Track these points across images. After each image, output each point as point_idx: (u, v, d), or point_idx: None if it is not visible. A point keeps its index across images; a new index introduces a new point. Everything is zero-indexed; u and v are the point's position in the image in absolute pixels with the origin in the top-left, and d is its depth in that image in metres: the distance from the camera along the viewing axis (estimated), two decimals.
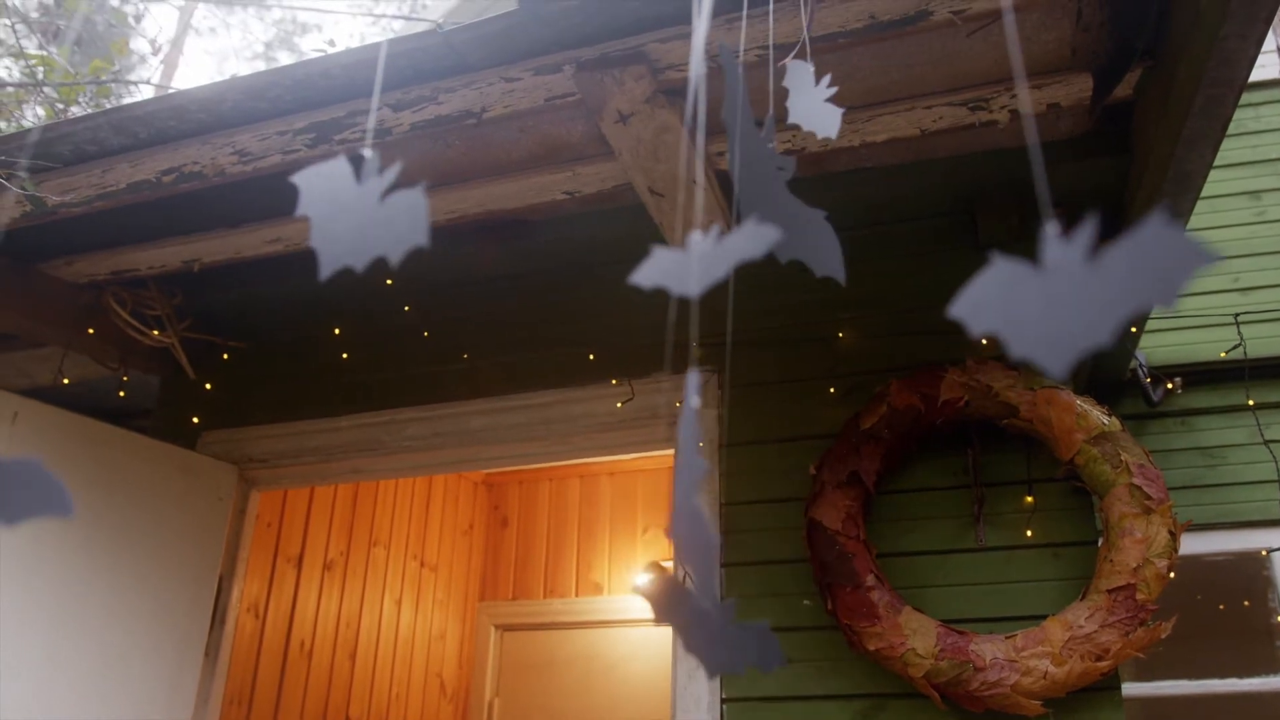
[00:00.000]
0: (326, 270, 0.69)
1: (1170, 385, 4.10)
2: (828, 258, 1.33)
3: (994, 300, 0.55)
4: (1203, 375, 4.29)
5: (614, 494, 5.39)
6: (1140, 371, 4.28)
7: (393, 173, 0.74)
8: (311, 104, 2.43)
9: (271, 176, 2.69)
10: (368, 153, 0.73)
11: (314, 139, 2.53)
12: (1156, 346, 4.42)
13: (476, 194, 2.89)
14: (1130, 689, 4.27)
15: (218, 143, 2.53)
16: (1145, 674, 4.42)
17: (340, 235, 0.71)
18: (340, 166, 0.74)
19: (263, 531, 3.86)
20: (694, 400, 0.69)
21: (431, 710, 4.89)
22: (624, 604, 5.04)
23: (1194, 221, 4.70)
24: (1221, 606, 4.39)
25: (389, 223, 0.71)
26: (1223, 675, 4.06)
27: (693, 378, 0.69)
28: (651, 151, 2.55)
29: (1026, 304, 0.55)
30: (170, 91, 2.51)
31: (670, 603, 0.89)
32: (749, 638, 0.89)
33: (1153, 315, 4.20)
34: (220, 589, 3.28)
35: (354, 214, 0.72)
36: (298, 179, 0.75)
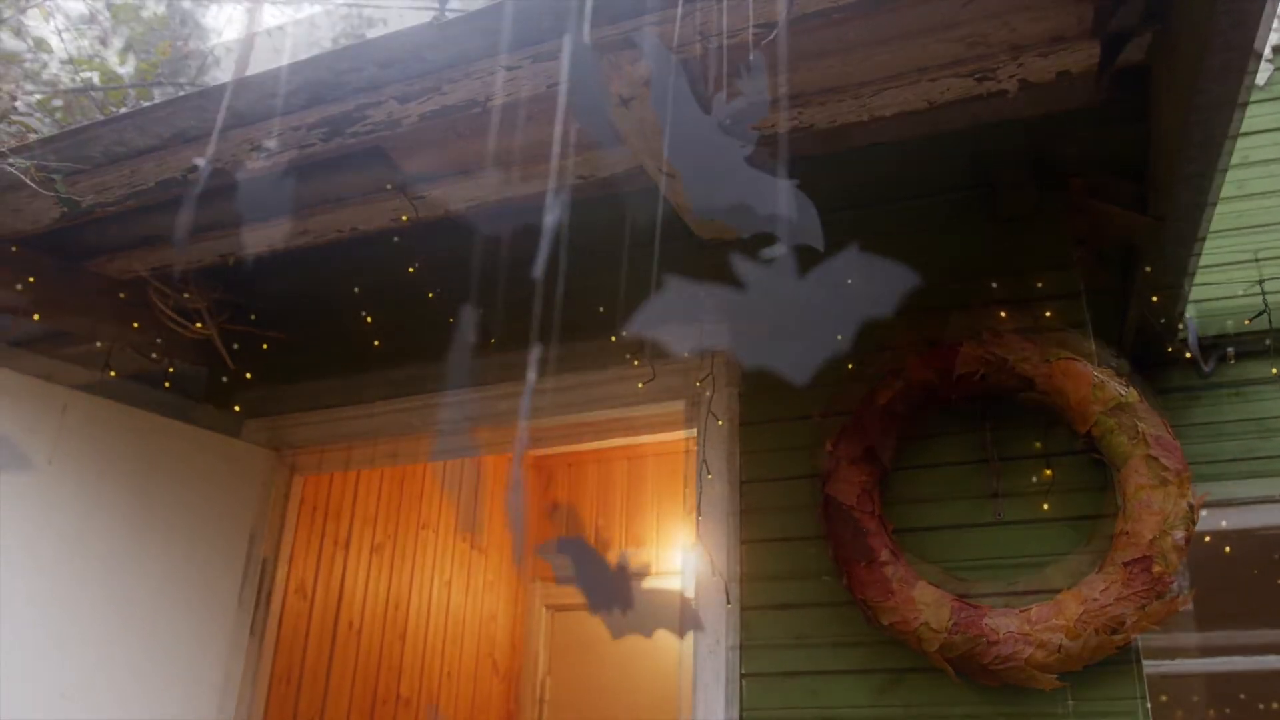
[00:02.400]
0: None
1: (1188, 354, 4.00)
2: (803, 228, 1.34)
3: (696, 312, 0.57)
4: (1257, 344, 4.18)
5: (659, 474, 5.44)
6: (1190, 343, 4.19)
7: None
8: (321, 99, 2.50)
9: (292, 170, 2.78)
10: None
11: (327, 133, 2.60)
12: (1210, 317, 4.31)
13: (493, 181, 2.95)
14: (1185, 665, 4.19)
15: (236, 139, 2.62)
16: (1202, 651, 4.33)
17: None
18: None
19: (309, 515, 3.98)
20: (531, 376, 0.73)
21: (484, 689, 5.00)
22: (670, 583, 5.08)
23: (1250, 186, 4.57)
24: (1279, 581, 4.28)
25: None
26: (1279, 651, 3.97)
27: (534, 353, 0.73)
28: (657, 133, 2.58)
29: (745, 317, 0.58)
30: (188, 92, 2.60)
31: (581, 568, 0.93)
32: (655, 604, 0.93)
33: (1202, 283, 4.09)
34: (264, 571, 3.40)
35: None
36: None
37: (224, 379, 3.70)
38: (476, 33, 2.30)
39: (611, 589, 0.84)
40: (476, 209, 3.08)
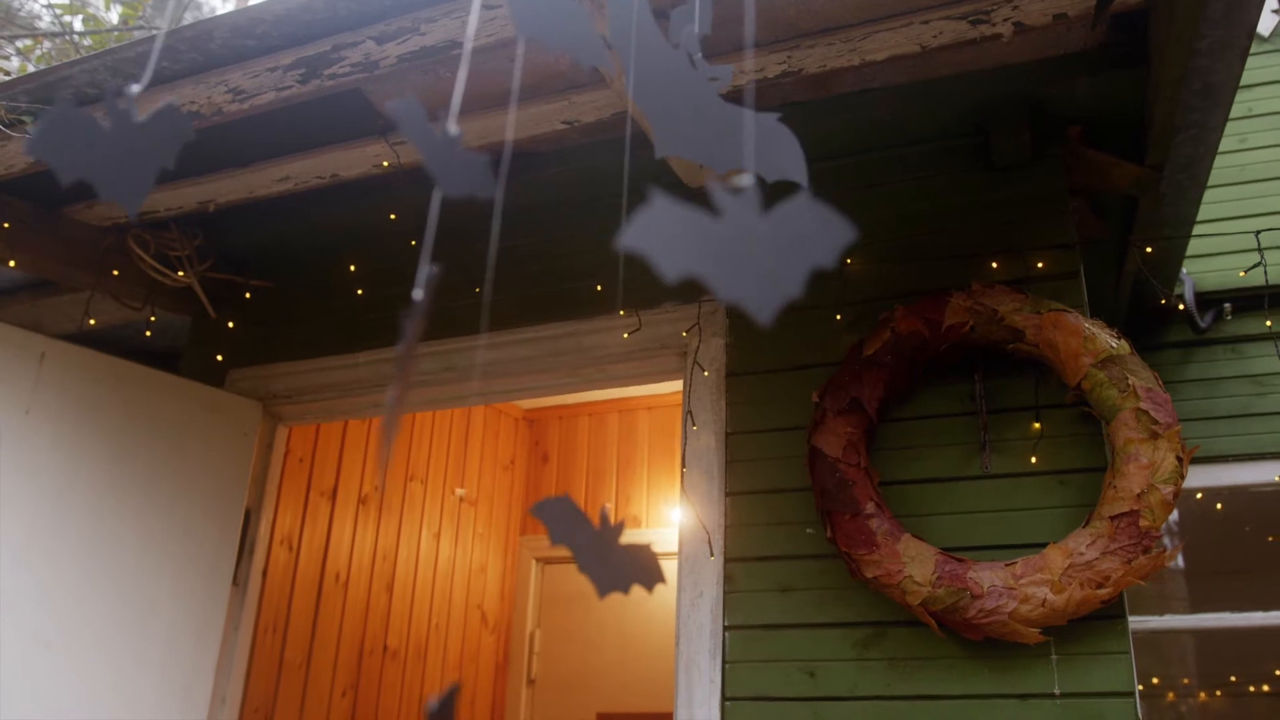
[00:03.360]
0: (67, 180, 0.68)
1: (1187, 308, 3.96)
2: (786, 163, 1.28)
3: (682, 240, 0.54)
4: (1256, 301, 4.13)
5: (652, 427, 5.41)
6: (1186, 298, 4.14)
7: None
8: (298, 39, 2.44)
9: (270, 114, 2.72)
10: (133, 88, 0.72)
11: (304, 74, 2.54)
12: (1207, 271, 4.26)
13: (476, 126, 2.88)
14: (1176, 621, 4.19)
15: (211, 82, 2.55)
16: (1194, 606, 4.33)
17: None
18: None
19: (295, 467, 3.95)
20: (418, 294, 0.68)
21: (473, 641, 5.00)
22: (662, 536, 5.07)
23: (1252, 139, 4.50)
24: (1271, 538, 4.27)
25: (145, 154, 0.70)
26: (1268, 608, 3.96)
27: (423, 270, 0.68)
28: (641, 77, 2.51)
29: (724, 249, 0.54)
30: (156, 31, 2.53)
31: (566, 526, 0.89)
32: (632, 559, 0.89)
33: (1200, 235, 4.04)
34: (247, 521, 3.37)
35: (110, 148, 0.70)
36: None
37: (210, 328, 3.66)
38: None
39: (600, 549, 0.81)
40: None
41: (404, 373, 0.65)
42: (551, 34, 0.92)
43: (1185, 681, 4.39)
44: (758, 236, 0.55)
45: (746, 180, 0.56)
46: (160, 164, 0.67)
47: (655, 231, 0.55)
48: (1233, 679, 4.35)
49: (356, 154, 3.01)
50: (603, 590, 0.85)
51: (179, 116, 0.70)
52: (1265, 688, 4.30)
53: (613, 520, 0.88)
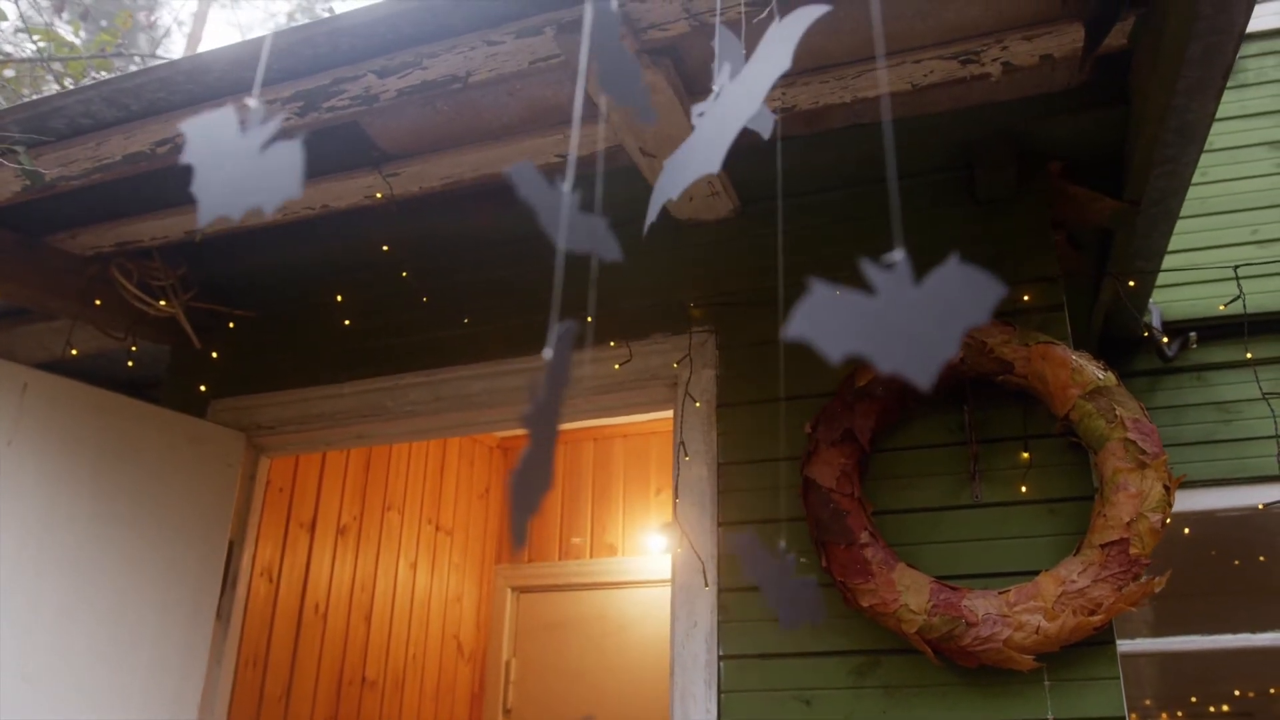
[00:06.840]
0: (205, 219, 0.70)
1: (1162, 338, 4.05)
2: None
3: (843, 325, 0.58)
4: (1219, 330, 4.24)
5: (627, 456, 5.42)
6: (1154, 327, 4.24)
7: (275, 124, 0.75)
8: (297, 73, 2.44)
9: (265, 146, 2.71)
10: (253, 102, 0.74)
11: (303, 107, 2.54)
12: (1172, 301, 4.37)
13: (471, 159, 2.90)
14: (1143, 644, 4.26)
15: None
16: (1159, 630, 4.41)
17: (220, 184, 0.72)
18: (225, 116, 0.75)
19: (275, 497, 3.92)
20: (547, 353, 0.70)
21: (449, 671, 4.96)
22: (637, 565, 5.08)
23: (1213, 173, 4.63)
24: (1236, 562, 4.37)
25: (266, 173, 0.72)
26: (1236, 631, 4.05)
27: (554, 328, 0.70)
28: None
29: (879, 323, 0.59)
30: (160, 62, 2.52)
31: (754, 561, 0.92)
32: (800, 592, 0.92)
33: (1166, 269, 4.14)
34: (230, 553, 3.34)
35: (234, 164, 0.73)
36: (185, 126, 0.76)
37: (192, 358, 3.62)
38: (457, 6, 2.26)
39: (779, 581, 0.86)
40: (453, 186, 3.03)
41: (550, 429, 0.67)
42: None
43: (1146, 703, 4.47)
44: (910, 306, 0.59)
45: (897, 255, 0.61)
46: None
47: (817, 319, 0.59)
48: (1193, 700, 4.44)
49: (348, 185, 3.00)
50: (787, 623, 0.89)
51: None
52: (1225, 708, 4.39)
53: (779, 557, 0.90)
